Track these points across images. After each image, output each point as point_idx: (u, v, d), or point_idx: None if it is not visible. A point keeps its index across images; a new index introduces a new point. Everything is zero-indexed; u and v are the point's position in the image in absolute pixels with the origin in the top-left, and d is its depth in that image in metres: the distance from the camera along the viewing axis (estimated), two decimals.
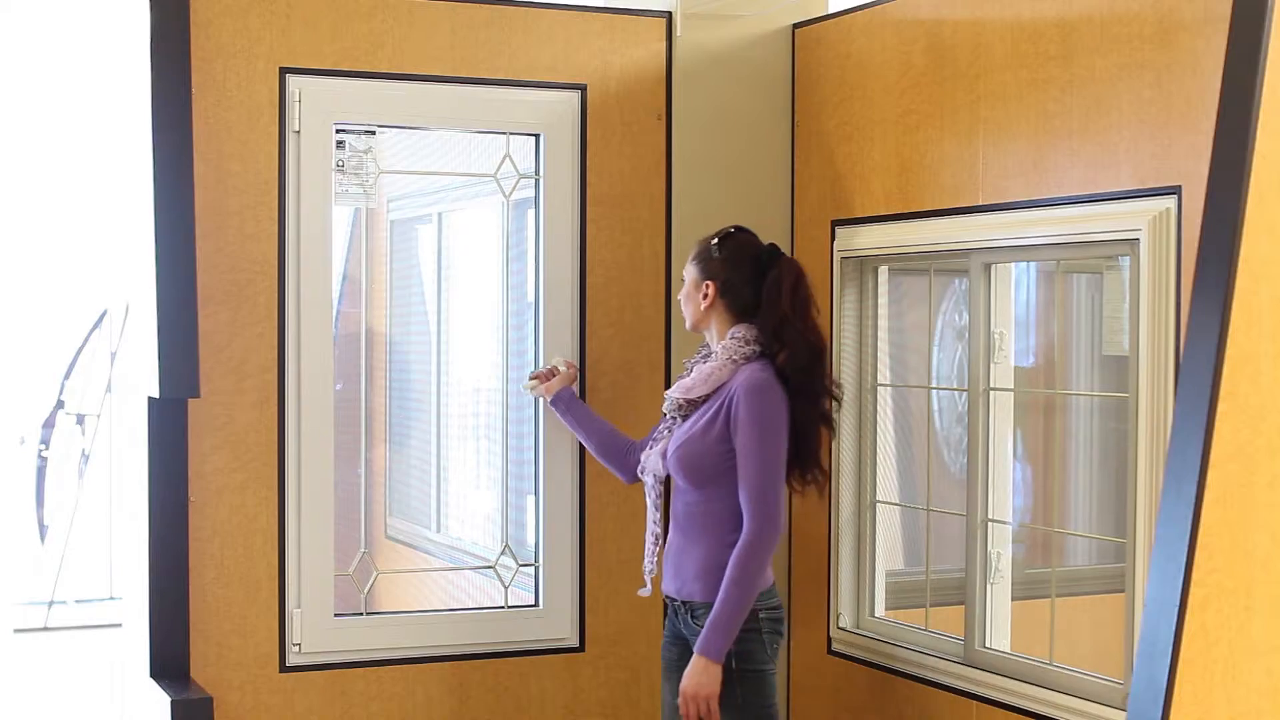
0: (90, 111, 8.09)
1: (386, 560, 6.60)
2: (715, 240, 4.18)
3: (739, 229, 4.24)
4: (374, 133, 4.52)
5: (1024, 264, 4.74)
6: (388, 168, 5.07)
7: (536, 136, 4.78)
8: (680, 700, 4.00)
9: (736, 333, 4.11)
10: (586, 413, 4.58)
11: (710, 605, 4.03)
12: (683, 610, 4.14)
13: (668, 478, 4.25)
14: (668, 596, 4.20)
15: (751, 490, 3.99)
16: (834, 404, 4.20)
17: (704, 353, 4.24)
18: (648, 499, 4.30)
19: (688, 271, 4.24)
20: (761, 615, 4.05)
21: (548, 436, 4.79)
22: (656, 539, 4.26)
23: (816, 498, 4.42)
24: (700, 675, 3.96)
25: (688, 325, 4.28)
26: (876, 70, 4.67)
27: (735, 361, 4.07)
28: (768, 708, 4.08)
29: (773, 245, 4.20)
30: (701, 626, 4.04)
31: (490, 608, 4.87)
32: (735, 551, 3.97)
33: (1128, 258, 3.87)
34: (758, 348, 4.08)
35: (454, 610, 4.98)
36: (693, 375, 4.14)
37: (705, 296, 4.15)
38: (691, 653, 4.05)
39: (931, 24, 4.46)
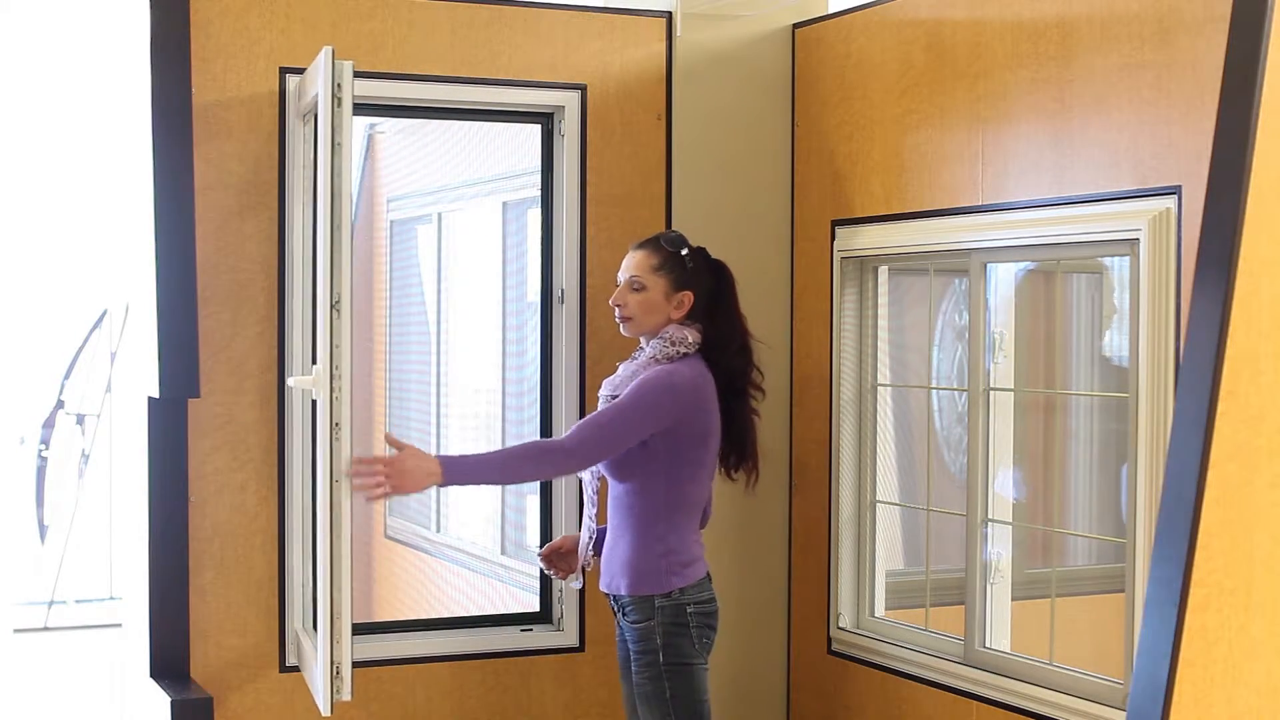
0: (90, 111, 8.09)
1: (386, 559, 6.61)
2: (685, 251, 4.14)
3: (681, 234, 4.21)
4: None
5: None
6: (392, 167, 5.02)
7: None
8: (383, 463, 3.81)
9: (666, 333, 4.11)
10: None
11: (636, 599, 4.05)
12: (615, 606, 4.16)
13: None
14: (603, 592, 4.20)
15: (592, 423, 3.99)
16: (760, 395, 4.25)
17: (636, 353, 4.25)
18: (585, 493, 4.29)
19: (649, 280, 4.11)
20: (690, 610, 4.05)
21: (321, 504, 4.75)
22: (592, 533, 4.28)
23: (744, 488, 4.27)
24: (419, 464, 3.80)
25: (639, 332, 4.15)
26: (876, 70, 4.67)
27: (658, 360, 4.08)
28: (699, 703, 4.07)
29: (702, 247, 4.21)
30: (633, 623, 4.07)
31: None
32: (539, 441, 3.99)
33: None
34: (683, 349, 4.08)
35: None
36: (619, 372, 4.17)
37: (679, 306, 4.12)
38: (636, 647, 4.08)
39: (931, 24, 4.46)
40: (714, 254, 4.23)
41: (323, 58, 3.88)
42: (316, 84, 4.01)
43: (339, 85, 3.85)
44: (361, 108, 4.52)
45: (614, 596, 4.13)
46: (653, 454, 4.03)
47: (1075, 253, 4.19)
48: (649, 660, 4.04)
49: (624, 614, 4.11)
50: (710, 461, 4.12)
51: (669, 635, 4.03)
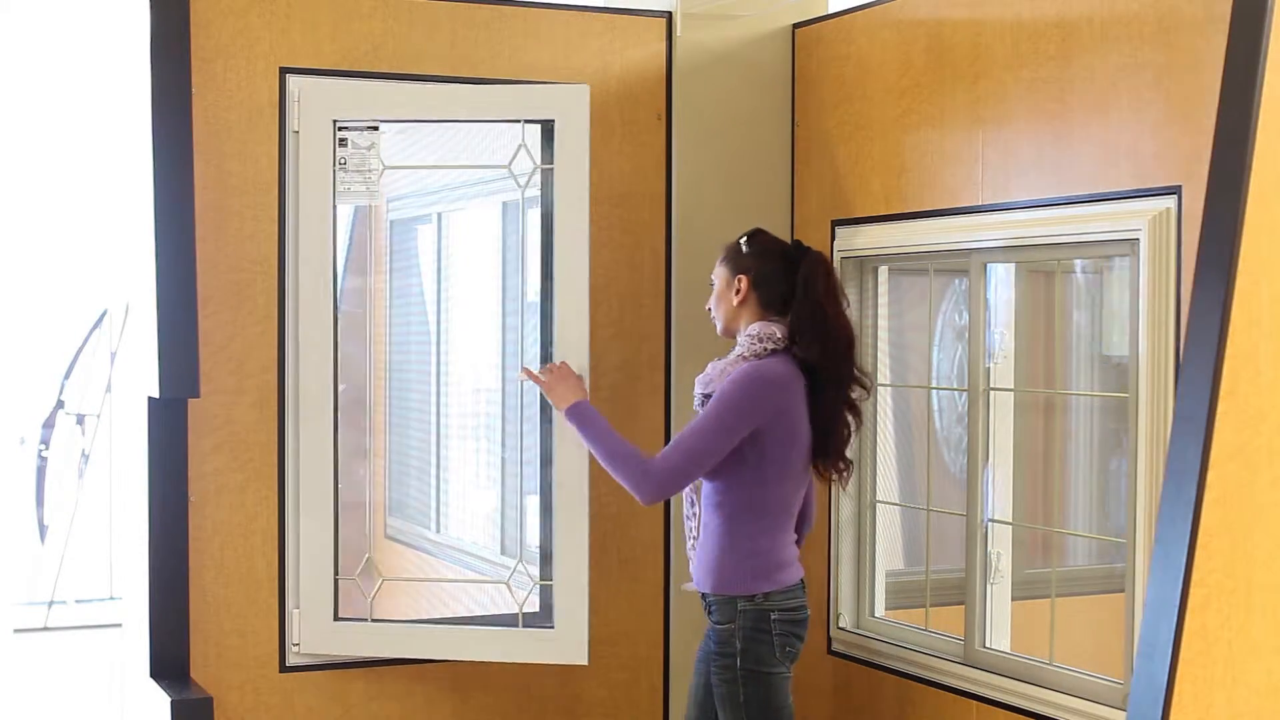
0: (90, 111, 8.08)
1: (386, 559, 6.60)
2: (743, 239, 4.20)
3: (760, 229, 4.26)
4: (377, 129, 4.52)
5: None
6: (393, 163, 5.05)
7: (550, 122, 4.77)
8: (555, 369, 4.38)
9: (752, 330, 4.10)
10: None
11: (720, 599, 4.04)
12: (702, 603, 4.15)
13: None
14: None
15: (678, 444, 4.02)
16: (865, 392, 4.19)
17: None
18: (683, 493, 4.29)
19: (717, 274, 4.22)
20: (774, 617, 4.03)
21: (559, 443, 4.78)
22: (690, 532, 4.25)
23: (842, 490, 4.43)
24: (568, 388, 4.29)
25: (720, 329, 4.22)
26: (876, 70, 4.67)
27: (745, 358, 4.08)
28: (778, 709, 4.05)
29: (798, 241, 4.24)
30: (715, 623, 4.06)
31: (501, 624, 4.84)
32: (639, 452, 4.07)
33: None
34: (771, 345, 4.06)
35: (462, 625, 4.84)
36: (707, 369, 4.17)
37: (738, 292, 4.14)
38: (715, 648, 4.06)
39: (931, 24, 4.46)
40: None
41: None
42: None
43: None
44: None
45: (701, 594, 4.12)
46: (739, 453, 4.01)
47: (1075, 253, 4.19)
48: (727, 663, 4.03)
49: (709, 612, 4.10)
50: (799, 462, 4.07)
51: (749, 640, 4.01)
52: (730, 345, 4.22)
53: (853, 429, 4.17)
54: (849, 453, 4.19)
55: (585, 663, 4.60)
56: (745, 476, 4.03)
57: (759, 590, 4.02)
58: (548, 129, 4.85)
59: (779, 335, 4.07)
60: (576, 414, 4.21)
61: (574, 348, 4.60)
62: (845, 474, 4.19)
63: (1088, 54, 3.96)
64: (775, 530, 4.06)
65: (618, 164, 4.87)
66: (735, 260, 4.18)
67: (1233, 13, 3.25)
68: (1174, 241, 3.71)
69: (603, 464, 4.13)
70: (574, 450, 4.56)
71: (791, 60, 5.04)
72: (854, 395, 4.14)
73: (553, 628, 4.70)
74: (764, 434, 4.01)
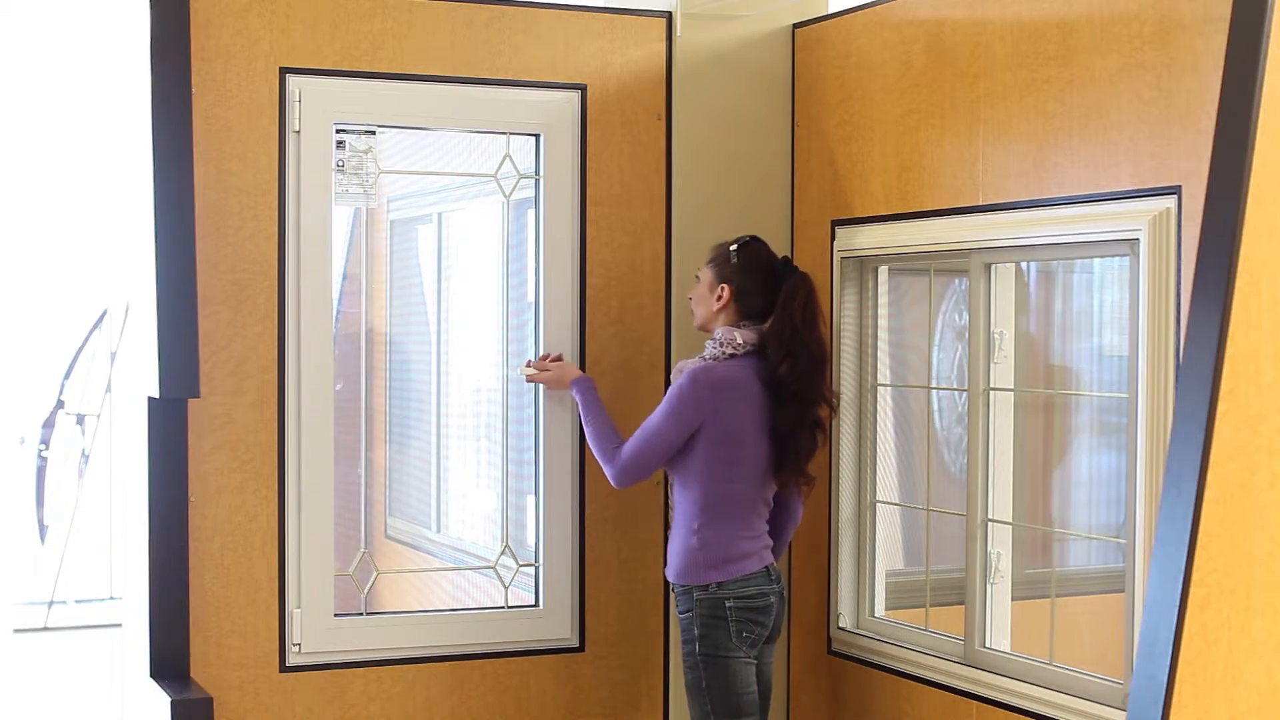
0: (90, 111, 8.08)
1: (386, 560, 6.62)
2: (734, 247, 4.38)
3: (755, 238, 4.44)
4: (374, 133, 4.55)
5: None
6: (388, 167, 5.09)
7: (536, 136, 4.80)
8: (550, 362, 4.64)
9: (718, 334, 4.33)
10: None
11: (679, 589, 4.29)
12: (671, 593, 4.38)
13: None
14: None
15: (634, 437, 4.31)
16: (830, 412, 4.39)
17: None
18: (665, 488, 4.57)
19: (703, 273, 4.43)
20: (729, 604, 4.22)
21: (548, 435, 4.79)
22: (668, 523, 4.48)
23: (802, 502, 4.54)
24: (568, 374, 4.57)
25: (696, 324, 4.46)
26: (876, 70, 4.67)
27: (704, 359, 4.31)
28: (738, 694, 4.22)
29: (786, 258, 4.41)
30: (679, 612, 4.31)
31: (490, 608, 4.88)
32: (617, 438, 4.34)
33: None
34: (730, 350, 4.27)
35: (453, 610, 5.00)
36: (677, 365, 4.43)
37: (719, 299, 4.35)
38: (681, 637, 4.31)
39: (931, 24, 4.46)
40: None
41: None
42: None
43: None
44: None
45: (668, 583, 4.39)
46: (689, 451, 4.25)
47: (1075, 253, 4.18)
48: (688, 650, 4.26)
49: (677, 603, 4.33)
50: (748, 464, 4.26)
51: (706, 627, 4.22)
52: (701, 338, 4.50)
53: (816, 445, 4.35)
54: (819, 467, 4.48)
55: (568, 635, 4.81)
56: (695, 473, 4.25)
57: (710, 580, 4.24)
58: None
59: (740, 341, 4.28)
60: (582, 386, 4.50)
61: (564, 353, 4.77)
62: (805, 488, 4.42)
63: (1088, 54, 3.96)
64: (727, 525, 4.26)
65: (617, 164, 4.87)
66: (721, 268, 4.38)
67: (1233, 13, 3.25)
68: (1174, 241, 3.71)
69: (589, 439, 4.43)
70: (562, 438, 4.76)
71: (791, 60, 5.04)
72: (820, 413, 4.33)
73: (539, 607, 4.81)
74: (704, 433, 4.24)
